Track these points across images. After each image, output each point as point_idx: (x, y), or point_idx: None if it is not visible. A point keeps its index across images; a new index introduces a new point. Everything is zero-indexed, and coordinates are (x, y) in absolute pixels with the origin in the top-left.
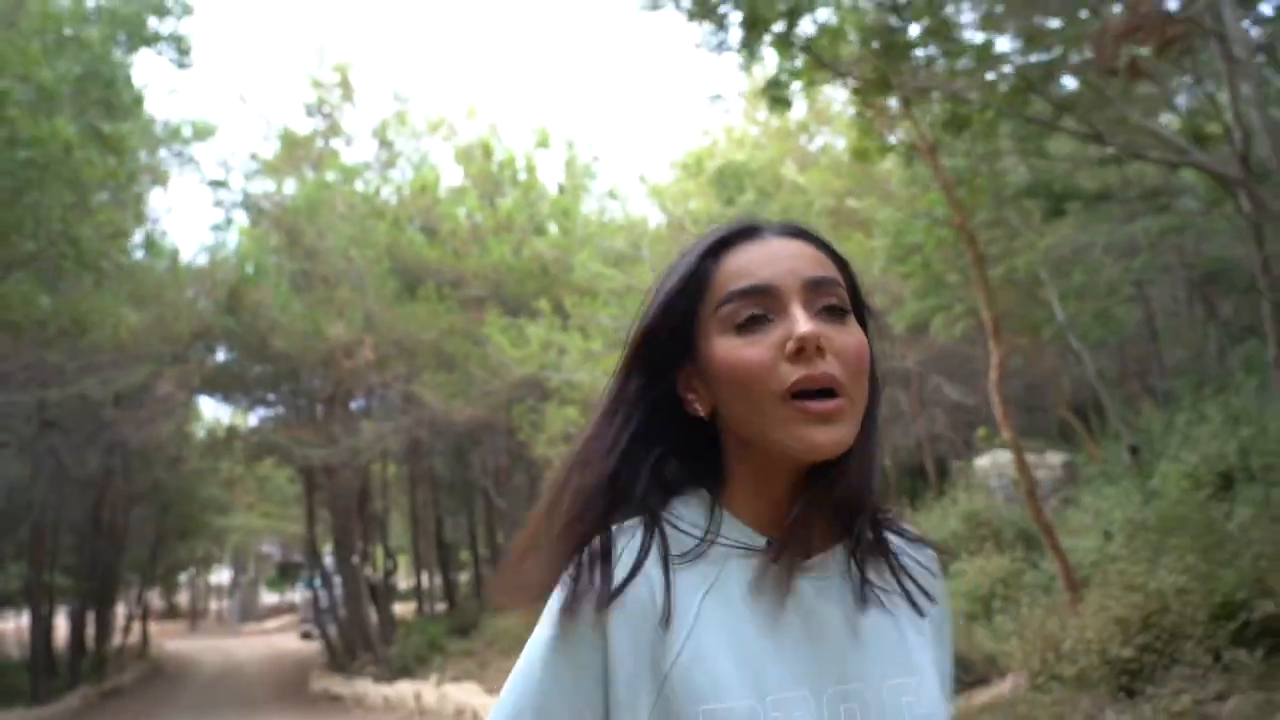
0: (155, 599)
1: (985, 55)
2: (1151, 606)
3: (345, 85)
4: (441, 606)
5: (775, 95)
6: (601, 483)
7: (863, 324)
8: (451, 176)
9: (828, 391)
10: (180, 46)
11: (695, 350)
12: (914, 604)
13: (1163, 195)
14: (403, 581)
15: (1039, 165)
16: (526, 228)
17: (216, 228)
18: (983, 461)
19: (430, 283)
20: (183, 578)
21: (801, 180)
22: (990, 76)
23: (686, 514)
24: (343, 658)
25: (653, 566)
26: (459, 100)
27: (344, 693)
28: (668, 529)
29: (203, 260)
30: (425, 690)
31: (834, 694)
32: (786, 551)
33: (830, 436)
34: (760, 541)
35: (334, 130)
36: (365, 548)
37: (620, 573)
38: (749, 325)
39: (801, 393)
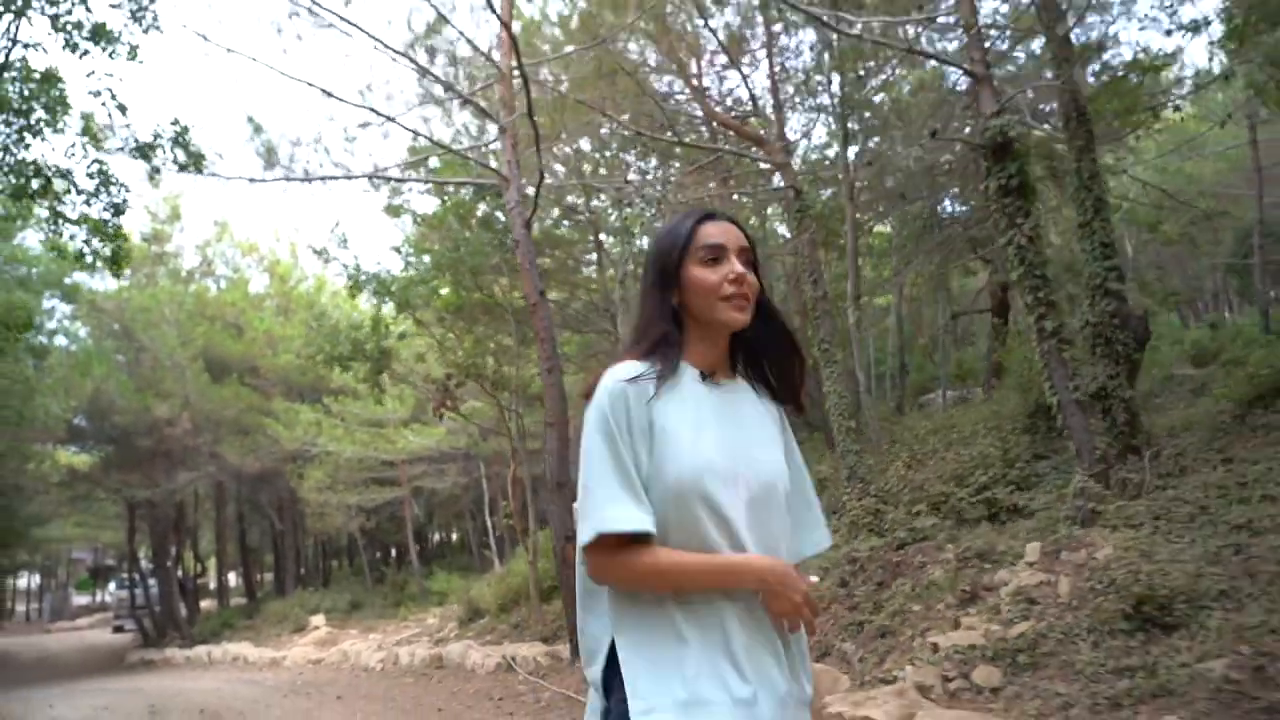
0: None
1: None
2: None
3: (175, 213)
4: (242, 600)
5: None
6: (648, 340)
7: (756, 271)
8: (259, 281)
9: (742, 298)
10: None
11: (681, 272)
12: (776, 411)
13: None
14: (214, 581)
15: None
16: (317, 330)
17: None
18: None
19: (235, 372)
20: None
21: None
22: None
23: (663, 361)
24: (155, 638)
25: (652, 379)
26: (271, 222)
27: (155, 658)
28: (656, 365)
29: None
30: (214, 650)
31: (734, 441)
32: (711, 375)
33: (741, 318)
34: (697, 372)
35: (162, 241)
36: (179, 553)
37: (639, 378)
38: (711, 263)
39: (729, 297)
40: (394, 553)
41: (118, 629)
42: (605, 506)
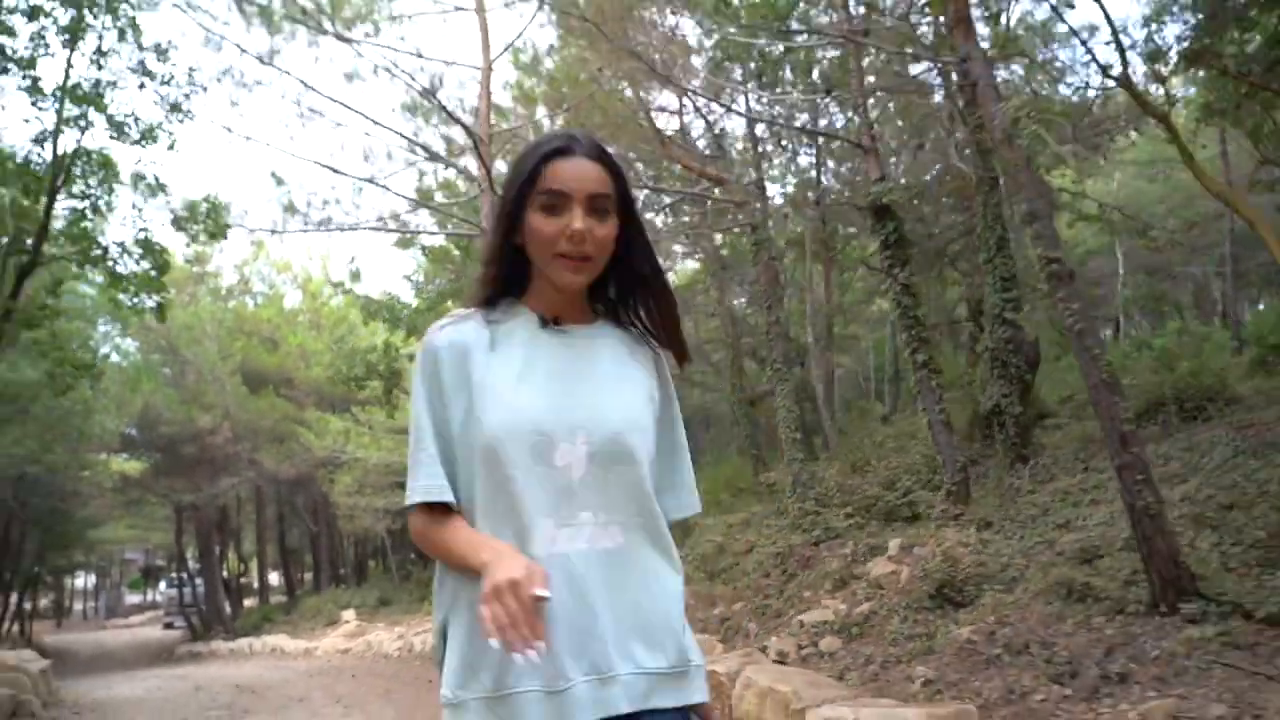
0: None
1: None
2: None
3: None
4: (282, 598)
5: None
6: (487, 279)
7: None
8: (293, 297)
9: (580, 258)
10: None
11: (524, 216)
12: (652, 362)
13: None
14: (256, 580)
15: None
16: (338, 352)
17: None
18: None
19: (270, 384)
20: (49, 579)
21: None
22: None
23: (501, 306)
24: (201, 633)
25: (479, 327)
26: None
27: (202, 651)
28: (491, 311)
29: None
30: (255, 643)
31: (573, 391)
32: (556, 320)
33: (573, 280)
34: (536, 317)
35: (203, 262)
36: (223, 554)
37: (458, 328)
38: (550, 210)
39: (563, 254)
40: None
41: (168, 625)
42: (413, 475)
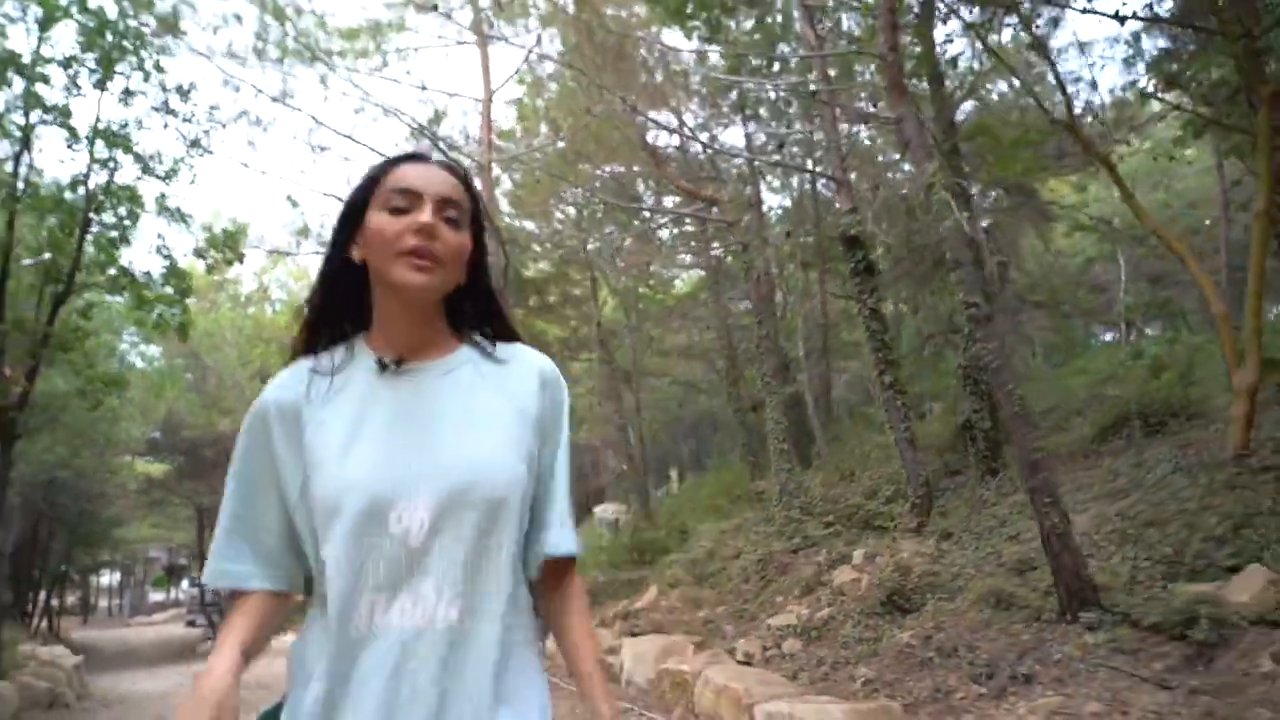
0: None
1: None
2: None
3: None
4: (297, 598)
5: None
6: (312, 313)
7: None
8: None
9: (427, 256)
10: None
11: (364, 221)
12: (514, 385)
13: None
14: None
15: None
16: None
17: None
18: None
19: None
20: (75, 577)
21: None
22: None
23: (340, 351)
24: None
25: (312, 380)
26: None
27: None
28: (329, 357)
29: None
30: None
31: (411, 443)
32: (398, 360)
33: (419, 280)
34: (372, 355)
35: (223, 271)
36: None
37: (287, 385)
38: (396, 210)
39: (409, 251)
40: None
41: (190, 623)
42: (213, 552)
